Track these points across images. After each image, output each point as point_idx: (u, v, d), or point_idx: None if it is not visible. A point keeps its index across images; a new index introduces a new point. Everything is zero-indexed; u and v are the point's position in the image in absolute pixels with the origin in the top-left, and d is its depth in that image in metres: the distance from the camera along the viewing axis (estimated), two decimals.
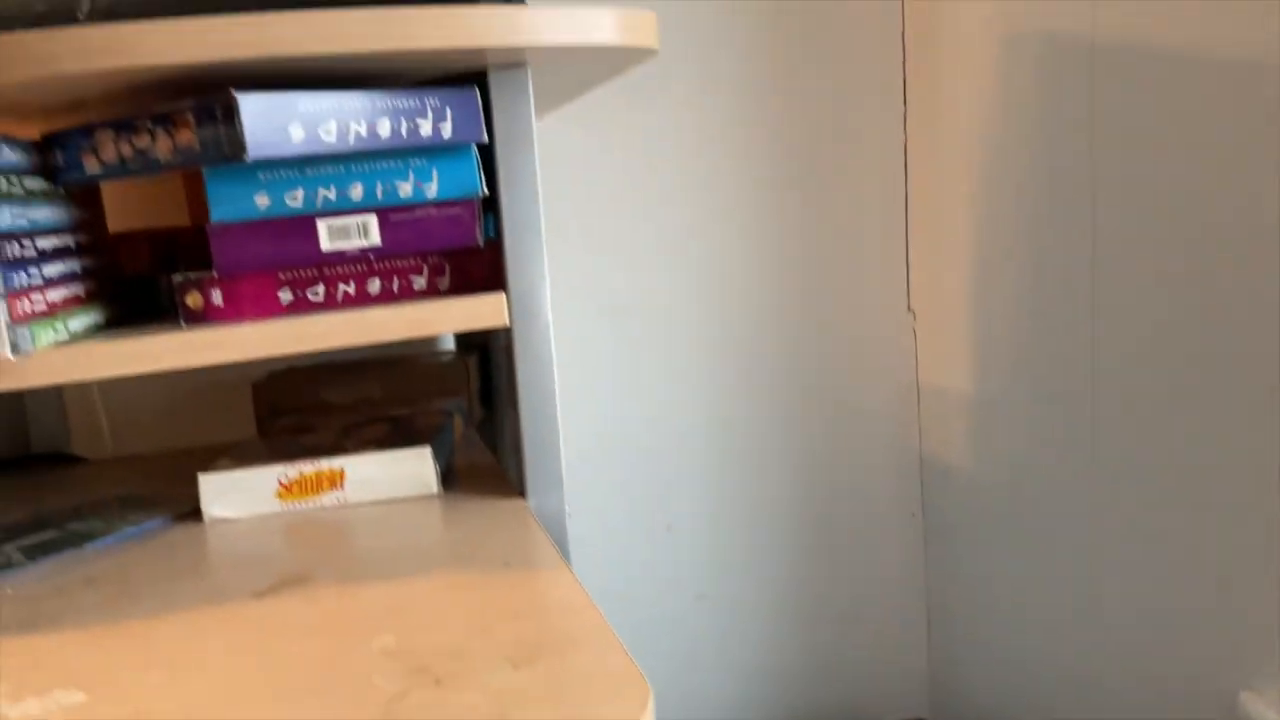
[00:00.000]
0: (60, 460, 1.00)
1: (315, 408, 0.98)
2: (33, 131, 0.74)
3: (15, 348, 0.57)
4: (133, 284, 0.80)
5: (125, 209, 0.91)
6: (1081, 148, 0.99)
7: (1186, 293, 0.89)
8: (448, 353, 1.09)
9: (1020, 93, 1.06)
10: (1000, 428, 1.17)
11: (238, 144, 0.54)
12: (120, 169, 0.62)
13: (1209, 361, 0.87)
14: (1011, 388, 1.14)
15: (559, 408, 0.72)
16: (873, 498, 1.33)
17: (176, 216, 0.97)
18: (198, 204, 0.94)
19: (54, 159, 0.66)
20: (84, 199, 0.73)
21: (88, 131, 0.62)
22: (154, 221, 0.90)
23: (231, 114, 0.54)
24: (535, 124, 0.69)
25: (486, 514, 0.71)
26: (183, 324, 0.68)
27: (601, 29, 0.64)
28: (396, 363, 1.02)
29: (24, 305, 0.60)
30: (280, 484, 0.74)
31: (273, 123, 0.55)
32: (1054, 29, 1.00)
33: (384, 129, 0.61)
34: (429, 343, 1.12)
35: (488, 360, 1.07)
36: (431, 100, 0.63)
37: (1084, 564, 1.05)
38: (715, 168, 1.21)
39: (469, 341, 1.11)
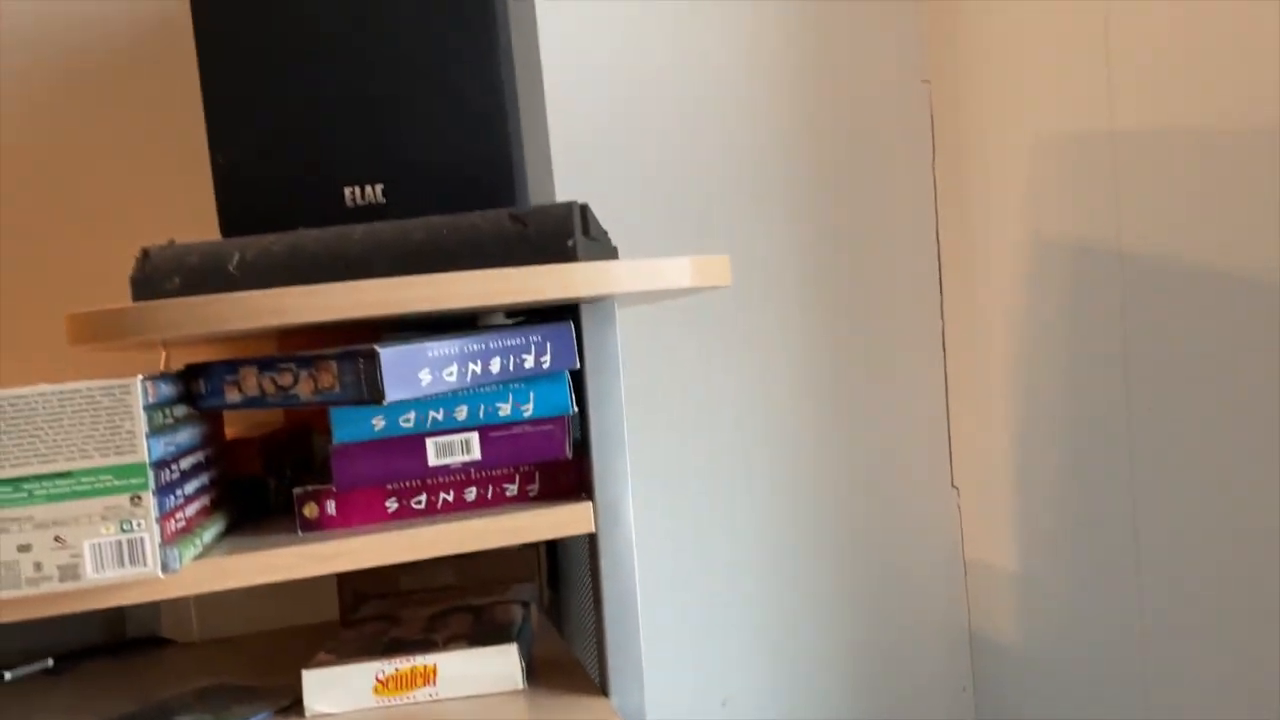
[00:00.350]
0: (152, 644, 1.05)
1: (395, 593, 1.03)
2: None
3: (165, 567, 0.64)
4: (243, 484, 0.88)
5: (240, 418, 1.00)
6: (1114, 334, 1.06)
7: (1222, 469, 0.94)
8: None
9: (1052, 290, 1.15)
10: (1047, 602, 1.20)
11: (376, 390, 0.62)
12: (259, 401, 0.70)
13: (1249, 537, 0.92)
14: (1056, 562, 1.18)
15: (640, 611, 0.77)
16: (923, 672, 1.35)
17: (277, 420, 1.05)
18: (298, 412, 1.02)
19: (197, 387, 0.74)
20: (210, 413, 0.82)
21: (233, 367, 0.71)
22: (262, 428, 0.98)
23: (373, 362, 0.62)
24: (620, 347, 0.77)
25: (571, 712, 0.75)
26: (299, 532, 0.75)
27: (681, 275, 0.72)
28: (469, 553, 1.08)
29: (171, 525, 0.67)
30: (378, 680, 0.79)
31: (405, 370, 0.64)
32: (1082, 234, 1.09)
33: (495, 366, 0.69)
34: None
35: (553, 545, 1.13)
36: (534, 337, 0.72)
37: None
38: (769, 364, 1.29)
39: None
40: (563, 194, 1.22)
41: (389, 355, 0.62)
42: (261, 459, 0.88)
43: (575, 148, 1.23)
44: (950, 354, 1.34)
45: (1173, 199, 0.97)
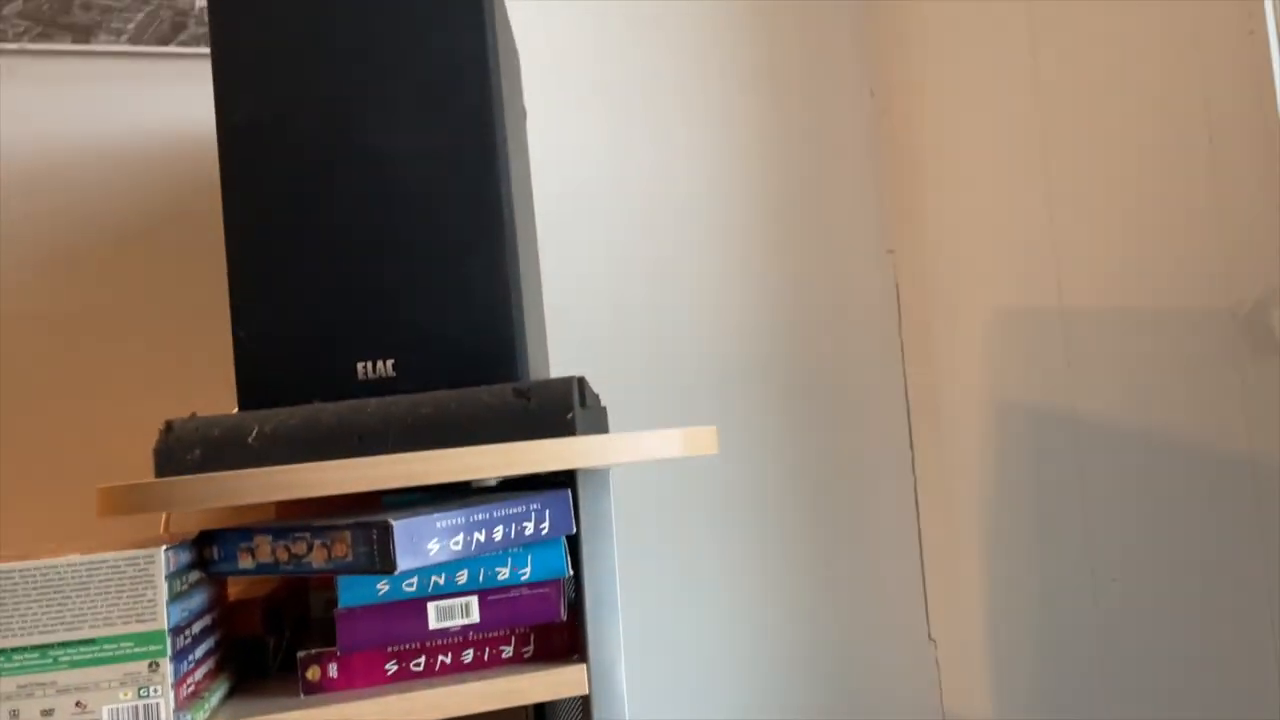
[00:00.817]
0: None
1: None
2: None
3: None
4: (244, 644, 0.90)
5: (243, 580, 1.03)
6: (1073, 495, 1.12)
7: (1184, 627, 0.98)
8: None
9: (1014, 452, 1.21)
10: None
11: (389, 561, 0.66)
12: (272, 568, 0.73)
13: (1216, 695, 0.95)
14: (1033, 716, 1.20)
15: None
16: None
17: (275, 581, 1.08)
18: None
19: (209, 553, 0.78)
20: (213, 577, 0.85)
21: (248, 534, 0.75)
22: (261, 586, 1.01)
23: (386, 534, 0.66)
24: (614, 513, 0.82)
25: None
26: (302, 694, 0.78)
27: (671, 446, 0.78)
28: None
29: (184, 690, 0.69)
30: None
31: (415, 541, 0.68)
32: (1039, 400, 1.17)
33: (498, 534, 0.74)
34: None
35: (542, 710, 1.14)
36: (534, 505, 0.76)
37: None
38: (750, 524, 1.34)
39: None
40: (554, 355, 1.29)
41: (401, 527, 0.67)
42: (263, 619, 0.91)
43: (571, 324, 1.31)
44: (923, 511, 1.39)
45: (1122, 370, 1.05)
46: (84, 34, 1.18)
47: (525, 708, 1.08)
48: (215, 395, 1.15)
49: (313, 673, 0.78)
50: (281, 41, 0.86)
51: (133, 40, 1.19)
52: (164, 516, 1.08)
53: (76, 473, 1.10)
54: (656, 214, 1.35)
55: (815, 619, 1.35)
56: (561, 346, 1.30)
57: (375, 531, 0.66)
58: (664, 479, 1.32)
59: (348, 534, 0.68)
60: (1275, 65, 0.84)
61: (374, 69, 0.86)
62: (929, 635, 1.39)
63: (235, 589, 1.03)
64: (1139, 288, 1.01)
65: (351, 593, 0.76)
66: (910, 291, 1.40)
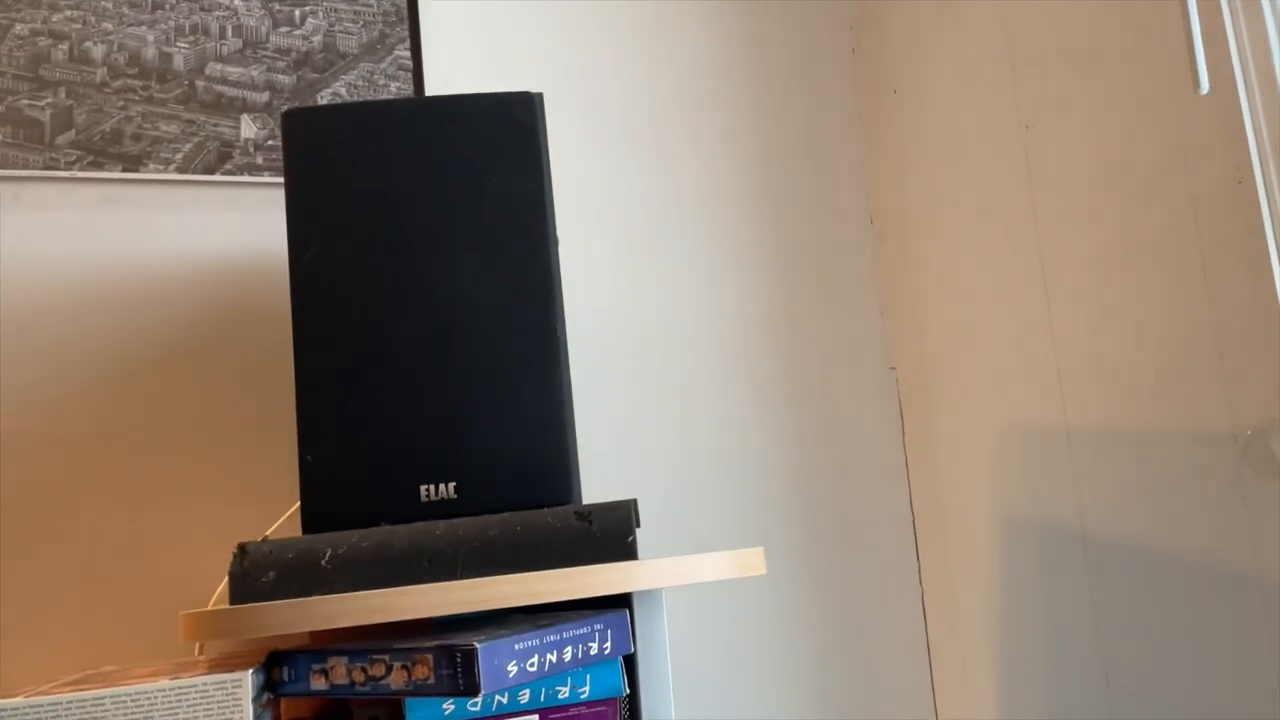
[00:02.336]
0: None
1: None
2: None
3: None
4: None
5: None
6: (1084, 612, 1.16)
7: None
8: None
9: (1022, 567, 1.26)
10: None
11: (474, 684, 0.69)
12: (347, 690, 0.76)
13: None
14: None
15: None
16: None
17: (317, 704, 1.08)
18: None
19: (279, 674, 0.80)
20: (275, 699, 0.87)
21: (321, 656, 0.77)
22: (307, 710, 1.02)
23: (471, 658, 0.69)
24: (668, 633, 0.85)
25: None
26: None
27: (724, 569, 0.82)
28: None
29: None
30: None
31: (496, 664, 0.71)
32: (1046, 516, 1.22)
33: (567, 655, 0.77)
34: None
35: None
36: (598, 625, 0.80)
37: None
38: (770, 635, 1.37)
39: None
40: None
41: (485, 650, 0.70)
42: None
43: (585, 446, 1.35)
44: (931, 625, 1.43)
45: (1128, 488, 1.11)
46: (134, 163, 1.24)
47: None
48: (267, 513, 1.17)
49: None
50: (350, 179, 0.92)
51: (180, 169, 1.25)
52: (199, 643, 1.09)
53: (127, 591, 1.12)
54: (664, 336, 1.41)
55: (821, 692, 1.37)
56: (583, 474, 1.34)
57: (460, 655, 0.69)
58: (681, 600, 1.35)
59: (430, 657, 0.71)
60: (1264, 207, 0.93)
61: (438, 207, 0.92)
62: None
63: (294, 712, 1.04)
64: (1142, 408, 1.08)
65: (419, 713, 0.78)
66: (913, 407, 1.47)
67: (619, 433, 1.36)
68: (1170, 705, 1.06)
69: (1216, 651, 1.00)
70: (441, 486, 0.88)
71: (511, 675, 0.72)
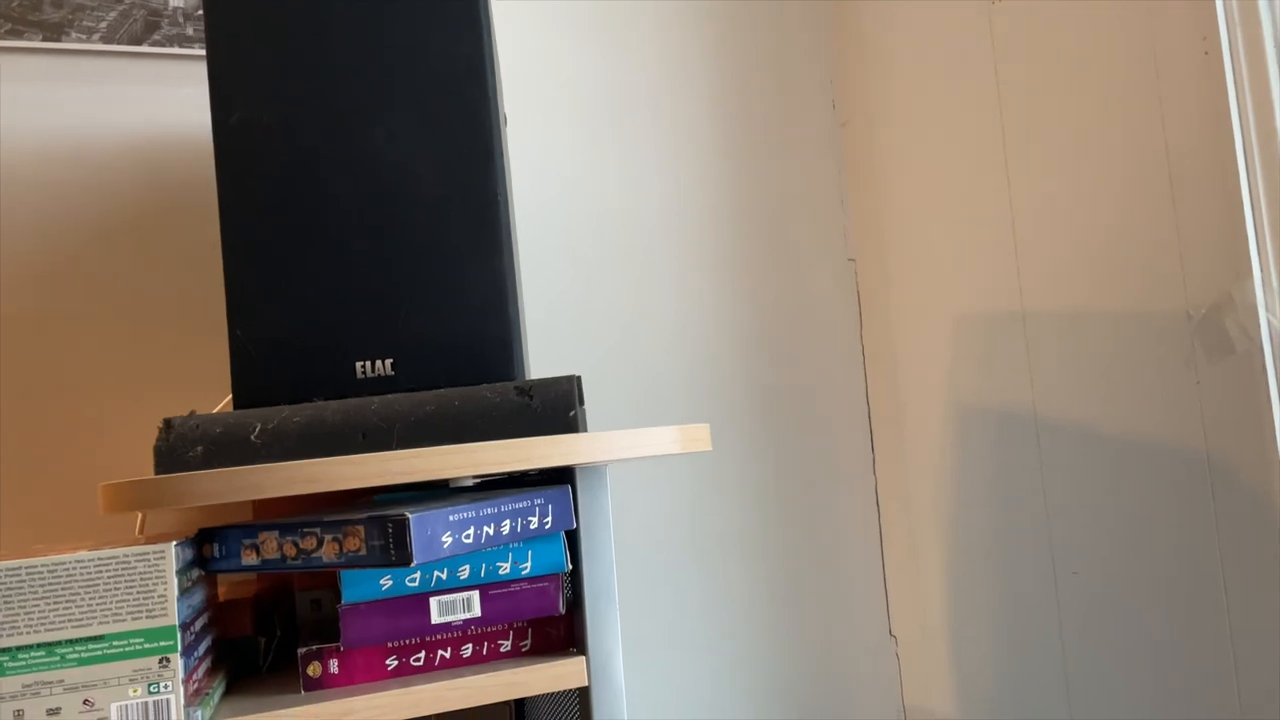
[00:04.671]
0: None
1: None
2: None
3: None
4: (234, 645, 0.90)
5: (232, 579, 1.02)
6: (1035, 493, 1.17)
7: (1143, 618, 1.03)
8: None
9: (975, 452, 1.26)
10: None
11: (405, 554, 0.67)
12: (277, 564, 0.74)
13: (1172, 688, 1.01)
14: (992, 708, 1.25)
15: None
16: None
17: (260, 583, 1.07)
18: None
19: (210, 550, 0.78)
20: (209, 576, 0.85)
21: (252, 531, 0.75)
22: (248, 590, 1.00)
23: (402, 529, 0.67)
24: (611, 508, 0.84)
25: None
26: (302, 691, 0.78)
27: (667, 443, 0.80)
28: None
29: (191, 686, 0.69)
30: None
31: (430, 534, 0.69)
32: (1000, 402, 1.22)
33: (506, 528, 0.75)
34: None
35: (522, 703, 1.15)
36: (539, 500, 0.78)
37: None
38: (717, 524, 1.37)
39: None
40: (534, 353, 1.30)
41: (417, 520, 0.68)
42: (252, 619, 0.90)
43: (539, 330, 1.32)
44: (884, 511, 1.44)
45: (1082, 372, 1.10)
46: (55, 31, 1.17)
47: (506, 704, 1.09)
48: (206, 397, 1.14)
49: (314, 669, 0.78)
50: (279, 43, 0.87)
51: (105, 39, 1.18)
52: (139, 519, 1.07)
53: (64, 476, 1.09)
54: (625, 224, 1.37)
55: (780, 617, 1.38)
56: (531, 353, 1.32)
57: (391, 525, 0.67)
58: (631, 481, 1.34)
59: (362, 528, 0.69)
60: (1229, 81, 0.90)
61: (371, 71, 0.87)
62: (890, 631, 1.43)
63: (220, 589, 1.03)
64: (1098, 291, 1.07)
65: (356, 589, 0.76)
66: (872, 299, 1.45)
67: (575, 319, 1.34)
68: (1115, 586, 1.07)
69: (1164, 533, 1.01)
70: (378, 363, 0.85)
71: (446, 547, 0.70)
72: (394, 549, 0.67)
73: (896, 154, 1.37)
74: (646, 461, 1.35)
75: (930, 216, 1.32)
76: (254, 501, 1.07)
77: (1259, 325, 0.88)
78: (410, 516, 0.67)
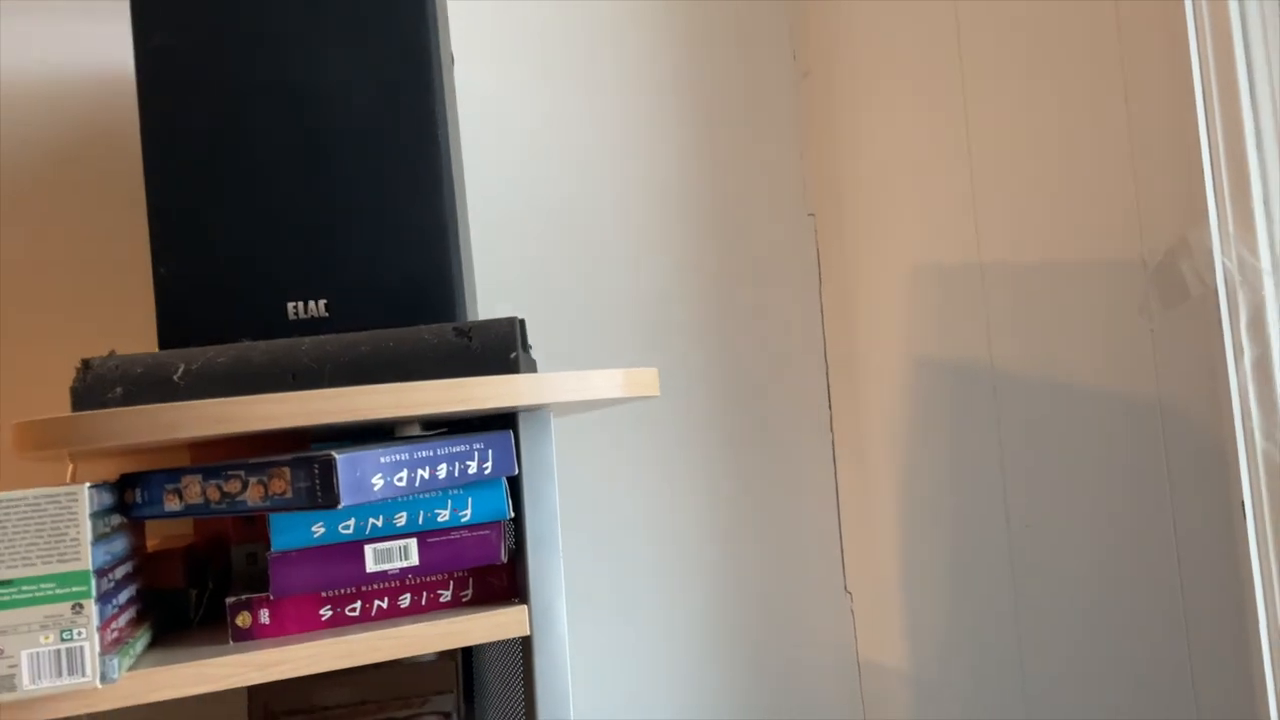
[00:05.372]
0: None
1: (309, 710, 1.01)
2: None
3: (104, 677, 0.63)
4: (163, 596, 0.86)
5: (161, 528, 0.98)
6: (990, 446, 1.16)
7: (1096, 569, 1.03)
8: (431, 653, 1.14)
9: (931, 406, 1.25)
10: (939, 701, 1.26)
11: (332, 495, 0.64)
12: (202, 509, 0.70)
13: (1121, 630, 1.00)
14: (946, 662, 1.25)
15: (571, 709, 0.79)
16: None
17: (186, 528, 1.04)
18: (212, 525, 1.01)
19: (131, 496, 0.74)
20: (136, 524, 0.81)
21: (174, 475, 0.71)
22: (176, 541, 0.97)
23: (328, 469, 0.64)
24: (555, 454, 0.81)
25: None
26: (231, 642, 0.75)
27: (613, 387, 0.78)
28: (383, 664, 1.07)
29: (108, 635, 0.66)
30: None
31: (359, 475, 0.66)
32: (957, 354, 1.20)
33: (441, 471, 0.72)
34: None
35: (469, 659, 1.13)
36: (478, 444, 0.75)
37: None
38: (672, 478, 1.35)
39: None
40: (483, 300, 1.27)
41: (345, 461, 0.65)
42: (184, 571, 0.87)
43: (494, 266, 1.29)
44: (840, 466, 1.43)
45: (1038, 322, 1.09)
46: None
47: (453, 668, 1.07)
48: (135, 340, 1.10)
49: (243, 619, 0.75)
50: None
51: None
52: (70, 468, 1.03)
53: None
54: (583, 172, 1.34)
55: (735, 572, 1.37)
56: (482, 296, 1.28)
57: (317, 465, 0.64)
58: (586, 430, 1.32)
59: (287, 469, 0.66)
60: (1190, 25, 0.88)
61: None
62: (845, 587, 1.43)
63: (153, 541, 0.99)
64: (1056, 242, 1.05)
65: (285, 536, 0.73)
66: (831, 253, 1.43)
67: (528, 272, 1.30)
68: (1067, 538, 1.06)
69: (1116, 483, 1.00)
70: (311, 304, 0.81)
71: (377, 489, 0.67)
72: (321, 491, 0.64)
73: (857, 106, 1.35)
74: (597, 413, 1.32)
75: (890, 169, 1.30)
76: (192, 451, 1.03)
77: (1214, 270, 0.87)
78: (337, 456, 0.64)
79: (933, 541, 1.26)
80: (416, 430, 1.07)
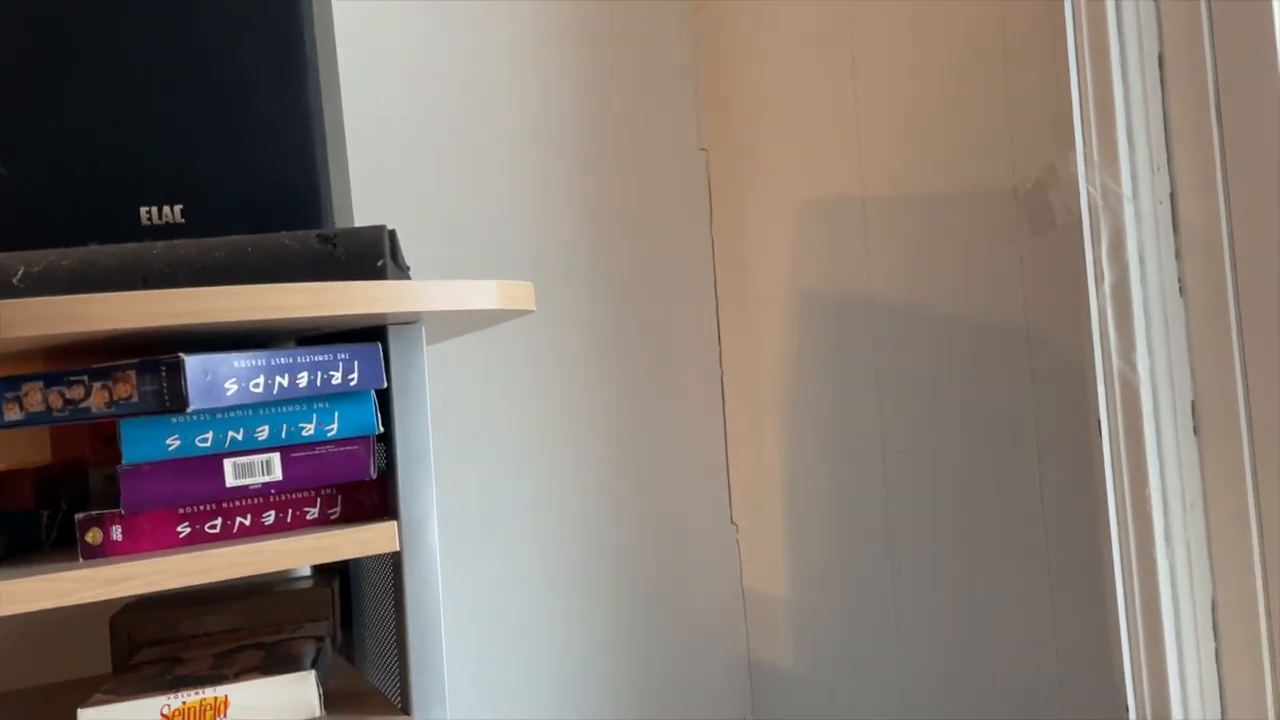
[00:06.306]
0: None
1: (175, 640, 0.98)
2: None
3: None
4: (12, 519, 0.82)
5: (6, 448, 0.93)
6: (868, 378, 1.18)
7: (967, 500, 1.07)
8: (306, 579, 1.12)
9: (815, 339, 1.27)
10: (817, 627, 1.29)
11: (180, 399, 0.61)
12: (44, 418, 0.67)
13: (989, 561, 1.04)
14: (825, 590, 1.28)
15: (443, 627, 0.78)
16: (706, 703, 1.41)
17: (43, 452, 0.98)
18: (70, 442, 0.96)
19: None
20: None
21: (13, 383, 0.67)
22: (30, 459, 0.92)
23: (175, 371, 0.62)
24: (426, 369, 0.80)
25: None
26: (80, 559, 0.72)
27: (487, 297, 0.76)
28: (255, 592, 1.05)
29: None
30: (163, 715, 0.75)
31: (210, 379, 0.63)
32: (839, 287, 1.22)
33: (302, 380, 0.70)
34: (286, 570, 1.14)
35: (347, 587, 1.11)
36: (342, 355, 0.73)
37: None
38: (559, 407, 1.34)
39: (329, 567, 1.15)
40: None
41: (194, 363, 0.62)
42: (34, 493, 0.83)
43: (370, 187, 1.25)
44: (728, 400, 1.44)
45: (914, 253, 1.11)
46: None
47: (329, 595, 1.05)
48: None
49: (93, 535, 0.72)
50: None
51: None
52: None
53: None
54: (470, 99, 1.31)
55: (621, 502, 1.38)
56: (361, 214, 1.25)
57: (164, 367, 0.61)
58: (472, 353, 1.30)
59: (133, 373, 0.62)
60: None
61: None
62: (731, 519, 1.45)
63: (3, 464, 0.94)
64: (933, 173, 1.07)
65: (138, 448, 0.70)
66: (722, 188, 1.42)
67: (409, 191, 1.27)
68: (937, 461, 1.09)
69: (988, 407, 1.03)
70: (165, 209, 0.77)
71: (230, 395, 0.65)
72: (168, 395, 0.61)
73: (748, 39, 1.34)
74: (478, 335, 1.30)
75: (780, 104, 1.30)
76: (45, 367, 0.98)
77: (1079, 198, 0.89)
78: (186, 358, 0.61)
79: (816, 472, 1.29)
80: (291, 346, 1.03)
